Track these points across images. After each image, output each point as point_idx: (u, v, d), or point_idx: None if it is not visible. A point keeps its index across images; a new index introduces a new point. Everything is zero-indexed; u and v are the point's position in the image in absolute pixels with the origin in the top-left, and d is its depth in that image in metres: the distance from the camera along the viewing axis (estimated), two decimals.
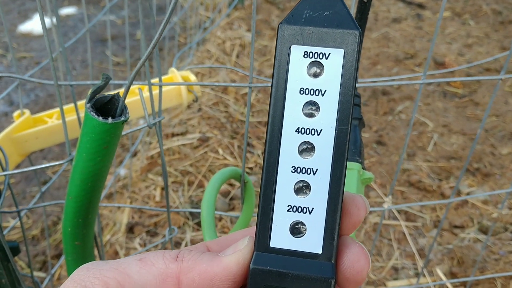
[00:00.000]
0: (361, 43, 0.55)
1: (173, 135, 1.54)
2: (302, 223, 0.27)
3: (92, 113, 0.43)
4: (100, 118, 0.42)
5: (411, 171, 1.49)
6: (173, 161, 1.43)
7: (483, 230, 1.29)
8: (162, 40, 2.03)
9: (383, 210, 0.69)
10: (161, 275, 0.26)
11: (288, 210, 0.27)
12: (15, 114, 0.72)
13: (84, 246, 0.56)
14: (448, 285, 1.11)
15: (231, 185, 1.36)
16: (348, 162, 0.52)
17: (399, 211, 1.34)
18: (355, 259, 0.27)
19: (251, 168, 1.46)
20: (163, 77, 0.79)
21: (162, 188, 1.36)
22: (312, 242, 0.27)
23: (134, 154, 1.58)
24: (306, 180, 0.27)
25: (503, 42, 2.27)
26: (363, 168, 0.53)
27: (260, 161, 1.49)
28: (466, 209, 1.36)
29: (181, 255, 0.27)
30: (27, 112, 0.72)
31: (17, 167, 1.45)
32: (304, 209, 0.27)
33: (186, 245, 1.20)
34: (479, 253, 1.21)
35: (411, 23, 2.45)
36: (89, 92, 0.44)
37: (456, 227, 1.31)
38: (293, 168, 0.27)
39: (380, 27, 2.41)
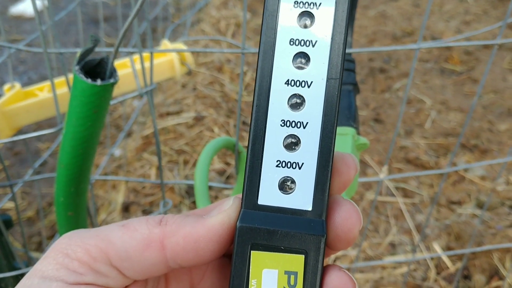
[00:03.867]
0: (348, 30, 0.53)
1: (168, 114, 1.52)
2: (292, 179, 0.26)
3: (81, 75, 0.41)
4: (89, 80, 0.41)
5: (408, 148, 1.49)
6: (168, 140, 1.42)
7: (481, 206, 1.29)
8: (155, 21, 2.01)
9: (379, 180, 0.68)
10: (145, 240, 0.26)
11: (277, 166, 0.26)
12: (5, 87, 0.71)
13: (77, 217, 0.55)
14: (444, 258, 1.11)
15: (227, 163, 1.35)
16: (342, 127, 0.51)
17: (396, 188, 1.34)
18: (346, 216, 0.26)
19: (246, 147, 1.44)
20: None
21: (158, 167, 1.35)
22: (302, 198, 0.26)
23: (129, 134, 1.57)
24: (296, 134, 0.26)
25: (501, 19, 2.25)
26: (358, 134, 0.52)
27: None
28: (463, 185, 1.35)
29: (164, 220, 0.26)
30: (17, 85, 0.71)
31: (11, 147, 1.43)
32: (294, 164, 0.26)
33: None
34: (477, 229, 1.21)
35: (408, 1, 2.42)
36: (78, 54, 0.43)
37: (453, 203, 1.31)
38: (283, 121, 0.26)
39: (377, 5, 2.38)
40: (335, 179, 0.27)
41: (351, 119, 0.52)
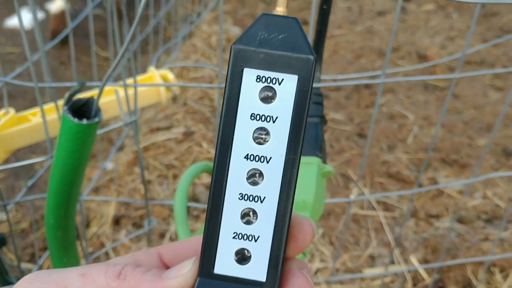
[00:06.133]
0: (316, 68, 0.58)
1: (158, 129, 1.57)
2: (248, 251, 0.27)
3: (68, 115, 0.46)
4: (76, 119, 0.46)
5: (390, 163, 1.54)
6: (158, 155, 1.46)
7: (457, 219, 1.35)
8: (147, 35, 2.06)
9: (350, 201, 0.73)
10: None
11: (234, 237, 0.27)
12: (0, 113, 0.76)
13: (66, 237, 0.60)
14: (420, 270, 1.16)
15: None
16: (308, 157, 0.56)
17: (378, 202, 1.39)
18: None
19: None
20: (143, 77, 0.83)
21: (148, 182, 1.40)
22: (256, 270, 0.27)
23: (121, 148, 1.62)
24: (253, 208, 0.27)
25: (485, 35, 2.31)
26: (324, 162, 0.57)
27: None
28: (441, 199, 1.41)
29: (123, 273, 0.27)
30: (11, 110, 0.76)
31: (4, 162, 1.47)
32: (250, 237, 0.27)
33: (170, 237, 1.25)
34: (453, 242, 1.26)
35: (395, 16, 2.49)
36: (66, 95, 0.48)
37: (431, 216, 1.36)
38: (241, 195, 0.27)
39: (364, 20, 2.45)
40: (291, 245, 0.28)
41: (317, 149, 0.57)
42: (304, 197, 0.54)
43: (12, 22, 2.53)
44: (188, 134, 1.51)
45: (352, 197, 0.73)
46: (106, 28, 2.43)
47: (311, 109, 0.59)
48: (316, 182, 0.55)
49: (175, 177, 1.40)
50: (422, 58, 2.11)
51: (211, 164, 0.65)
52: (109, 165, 1.54)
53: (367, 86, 1.90)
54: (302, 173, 0.56)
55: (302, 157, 0.59)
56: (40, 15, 2.69)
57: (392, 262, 1.21)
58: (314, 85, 0.60)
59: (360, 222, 1.33)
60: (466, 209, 1.38)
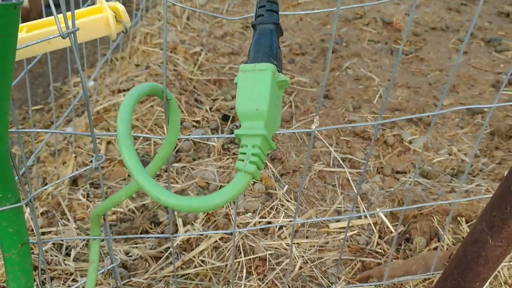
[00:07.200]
0: None
1: (119, 91, 1.51)
2: None
3: None
4: None
5: (356, 122, 1.52)
6: None
7: (424, 175, 1.34)
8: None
9: (312, 131, 0.70)
10: None
11: None
12: None
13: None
14: (387, 222, 1.15)
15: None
16: (263, 63, 0.52)
17: (343, 159, 1.37)
18: None
19: (198, 122, 1.45)
20: (91, 8, 0.77)
21: (108, 142, 1.34)
22: None
23: (82, 113, 1.55)
24: None
25: (449, 3, 2.32)
26: (280, 72, 0.53)
27: (208, 115, 1.49)
28: (408, 155, 1.40)
29: None
30: None
31: None
32: None
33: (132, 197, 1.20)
34: (419, 195, 1.25)
35: None
36: None
37: (398, 172, 1.35)
38: None
39: None
40: None
41: (272, 57, 0.53)
42: (258, 105, 0.50)
43: None
44: (150, 95, 1.46)
45: (314, 127, 0.70)
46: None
47: (265, 15, 0.56)
48: (270, 89, 0.51)
49: (137, 137, 1.34)
50: (388, 24, 2.10)
51: (160, 85, 0.61)
52: (69, 129, 1.48)
53: (333, 50, 1.88)
54: (255, 80, 0.52)
55: (256, 64, 0.55)
56: None
57: (359, 217, 1.19)
58: None
59: (327, 179, 1.31)
60: (432, 164, 1.37)
